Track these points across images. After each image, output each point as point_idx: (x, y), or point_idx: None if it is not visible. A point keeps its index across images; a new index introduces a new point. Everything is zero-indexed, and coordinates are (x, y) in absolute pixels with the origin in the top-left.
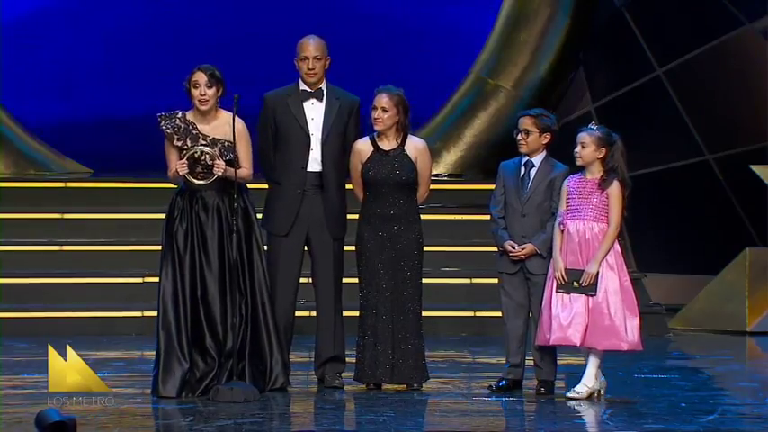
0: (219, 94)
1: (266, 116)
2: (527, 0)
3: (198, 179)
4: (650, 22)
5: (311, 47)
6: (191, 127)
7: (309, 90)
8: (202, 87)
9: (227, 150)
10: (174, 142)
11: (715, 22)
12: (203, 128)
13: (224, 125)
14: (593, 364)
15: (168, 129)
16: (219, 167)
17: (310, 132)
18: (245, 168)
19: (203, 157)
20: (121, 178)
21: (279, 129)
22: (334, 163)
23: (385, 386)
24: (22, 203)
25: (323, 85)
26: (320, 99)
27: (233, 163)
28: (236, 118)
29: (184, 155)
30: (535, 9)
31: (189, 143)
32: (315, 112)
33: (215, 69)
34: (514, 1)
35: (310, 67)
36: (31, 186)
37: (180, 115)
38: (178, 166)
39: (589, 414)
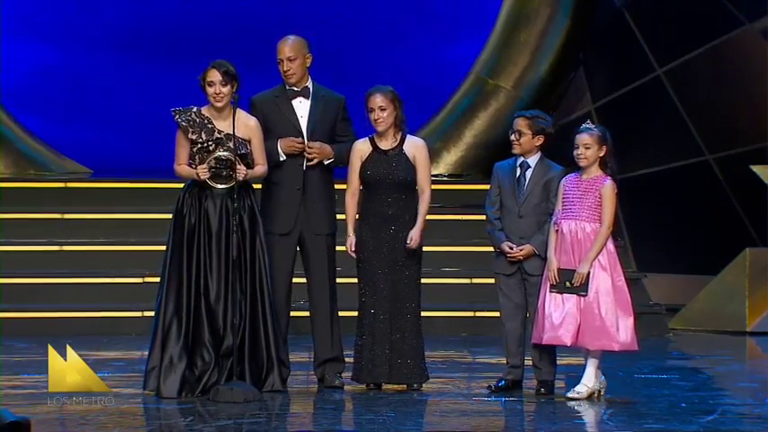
0: (234, 90)
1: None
2: (527, 0)
3: (217, 183)
4: (650, 22)
5: (286, 48)
6: (206, 121)
7: (296, 89)
8: (217, 86)
9: (241, 145)
10: (189, 135)
11: (715, 22)
12: (218, 123)
13: (237, 121)
14: (592, 365)
15: (183, 122)
16: (241, 172)
17: (304, 130)
18: (260, 165)
19: (221, 154)
20: (121, 178)
21: (271, 130)
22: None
23: (385, 386)
24: (22, 203)
25: (309, 84)
26: (307, 97)
27: (246, 157)
28: (249, 115)
29: (197, 149)
30: (535, 9)
31: (204, 136)
32: (303, 110)
33: (229, 66)
34: (514, 1)
35: (285, 69)
36: (31, 186)
37: (195, 110)
38: (200, 171)
39: (589, 414)
